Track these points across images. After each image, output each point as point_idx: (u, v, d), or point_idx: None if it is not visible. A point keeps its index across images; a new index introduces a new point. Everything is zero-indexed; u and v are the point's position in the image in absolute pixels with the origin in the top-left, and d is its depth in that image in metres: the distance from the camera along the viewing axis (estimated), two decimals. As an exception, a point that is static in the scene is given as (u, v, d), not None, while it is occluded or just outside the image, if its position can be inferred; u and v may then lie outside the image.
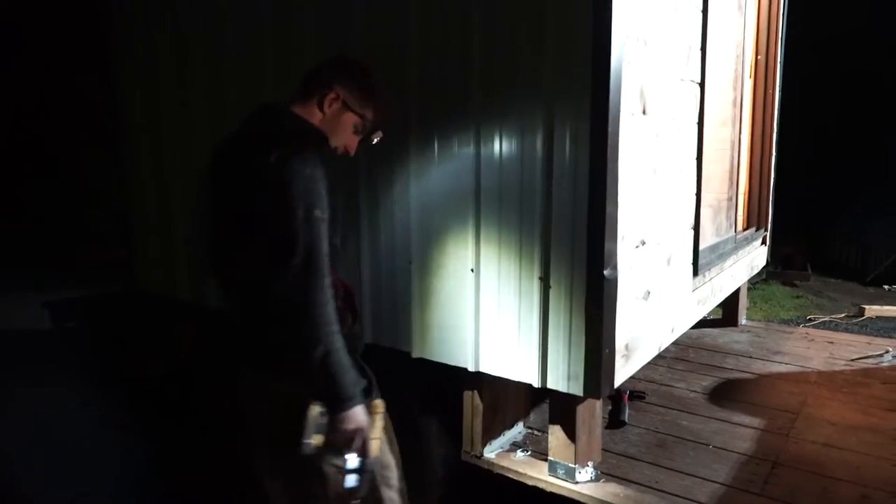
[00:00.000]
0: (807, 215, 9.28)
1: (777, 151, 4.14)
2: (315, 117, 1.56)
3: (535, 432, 2.61)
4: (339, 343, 1.37)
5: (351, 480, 1.39)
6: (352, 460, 1.40)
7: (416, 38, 2.23)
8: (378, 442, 1.48)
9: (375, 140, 1.67)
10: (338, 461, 1.44)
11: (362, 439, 1.41)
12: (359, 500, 1.44)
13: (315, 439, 1.37)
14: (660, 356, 3.41)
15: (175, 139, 3.19)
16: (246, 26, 2.76)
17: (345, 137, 1.60)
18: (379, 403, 1.51)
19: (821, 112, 10.12)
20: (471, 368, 2.24)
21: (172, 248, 3.30)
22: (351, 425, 1.39)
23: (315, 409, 1.37)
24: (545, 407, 2.62)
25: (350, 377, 1.39)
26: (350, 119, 1.58)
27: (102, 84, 4.11)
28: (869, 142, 9.78)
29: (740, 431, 2.62)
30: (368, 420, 1.43)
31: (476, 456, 2.40)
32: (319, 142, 1.54)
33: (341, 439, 1.39)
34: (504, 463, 2.38)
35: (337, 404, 1.38)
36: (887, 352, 3.53)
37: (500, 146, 2.09)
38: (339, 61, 1.62)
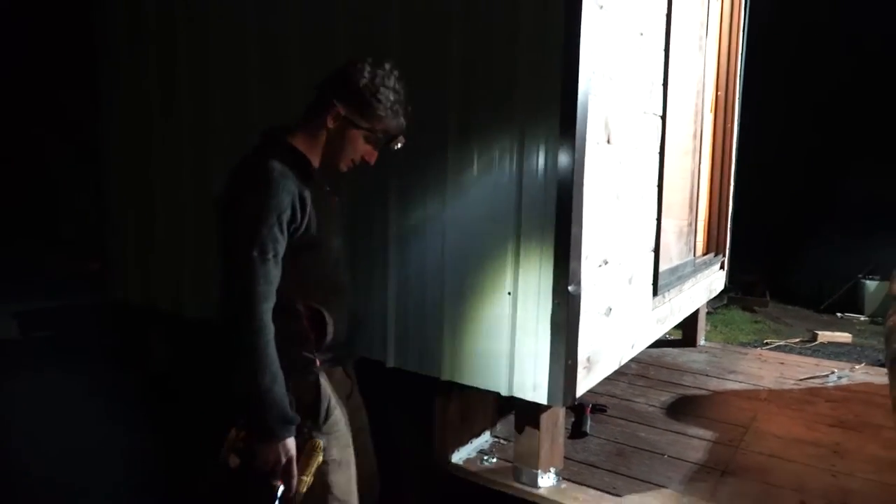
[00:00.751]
0: (768, 246, 9.71)
1: (736, 182, 4.39)
2: (320, 138, 1.56)
3: (501, 441, 2.74)
4: (268, 378, 1.40)
5: None
6: (277, 489, 1.43)
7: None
8: (307, 480, 1.48)
9: (397, 146, 1.62)
10: (264, 486, 1.45)
11: (286, 474, 1.44)
12: None
13: (231, 460, 1.44)
14: (621, 373, 3.59)
15: (158, 153, 3.28)
16: (232, 50, 2.89)
17: (359, 151, 1.58)
18: (317, 444, 1.51)
19: (783, 151, 10.62)
20: (445, 377, 2.37)
21: (150, 260, 3.37)
22: (270, 458, 1.42)
23: (233, 432, 1.45)
24: (511, 418, 2.75)
25: (276, 413, 1.41)
26: (357, 134, 1.55)
27: (83, 95, 4.14)
28: (824, 180, 10.29)
29: (694, 443, 2.78)
30: (293, 458, 1.45)
31: (446, 462, 2.51)
32: (299, 164, 1.53)
33: (262, 467, 1.43)
34: (472, 468, 2.50)
35: (257, 435, 1.43)
36: (833, 373, 3.76)
37: (476, 171, 2.25)
38: (339, 73, 1.55)
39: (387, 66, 1.56)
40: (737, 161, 4.39)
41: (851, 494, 2.36)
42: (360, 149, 1.58)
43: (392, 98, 1.55)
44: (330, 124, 1.54)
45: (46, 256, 7.59)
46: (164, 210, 3.29)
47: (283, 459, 1.44)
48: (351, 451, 1.68)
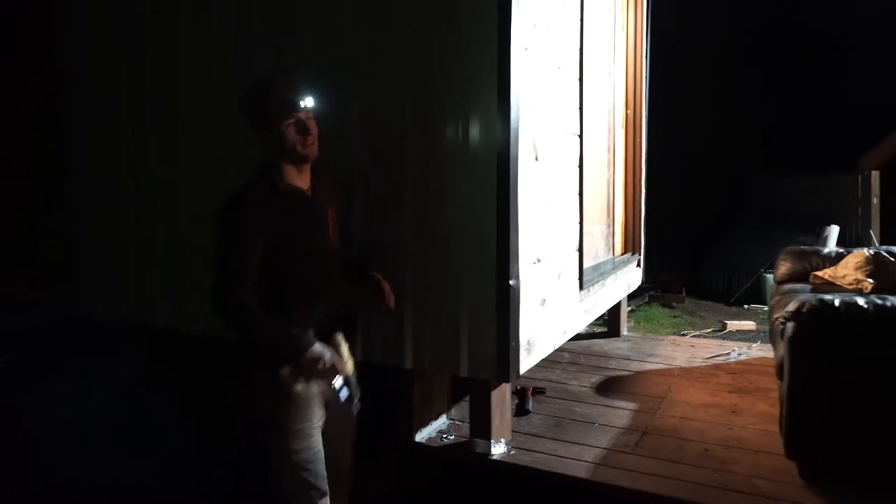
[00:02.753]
0: (684, 248, 10.63)
1: (647, 189, 4.98)
2: (279, 146, 1.92)
3: (457, 422, 3.13)
4: (262, 325, 1.83)
5: (343, 394, 1.89)
6: (336, 382, 1.87)
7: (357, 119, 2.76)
8: (349, 363, 1.93)
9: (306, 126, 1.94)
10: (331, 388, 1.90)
11: (329, 365, 1.84)
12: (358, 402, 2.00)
13: (300, 387, 1.88)
14: (556, 361, 4.06)
15: (125, 169, 3.50)
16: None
17: (293, 139, 1.92)
18: (336, 338, 1.93)
19: (694, 161, 11.69)
20: (408, 366, 2.74)
21: (124, 275, 3.56)
22: (308, 364, 1.83)
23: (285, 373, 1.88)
24: (464, 403, 3.16)
25: (285, 339, 1.83)
26: (287, 128, 1.90)
27: (50, 107, 4.15)
28: (733, 184, 11.37)
29: (619, 412, 3.26)
30: (328, 351, 1.86)
31: (411, 441, 2.88)
32: (265, 183, 1.93)
33: (313, 376, 1.87)
34: (433, 445, 2.88)
35: (290, 360, 1.85)
36: (734, 351, 4.36)
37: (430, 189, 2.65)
38: (247, 94, 1.94)
39: (261, 83, 1.95)
40: (647, 170, 5.00)
41: (743, 441, 2.88)
42: (292, 137, 1.93)
43: (271, 97, 1.92)
44: (271, 135, 1.92)
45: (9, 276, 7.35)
46: (137, 231, 3.50)
47: (317, 358, 1.83)
48: (317, 424, 2.01)
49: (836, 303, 2.31)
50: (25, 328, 4.07)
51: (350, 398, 1.92)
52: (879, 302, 2.28)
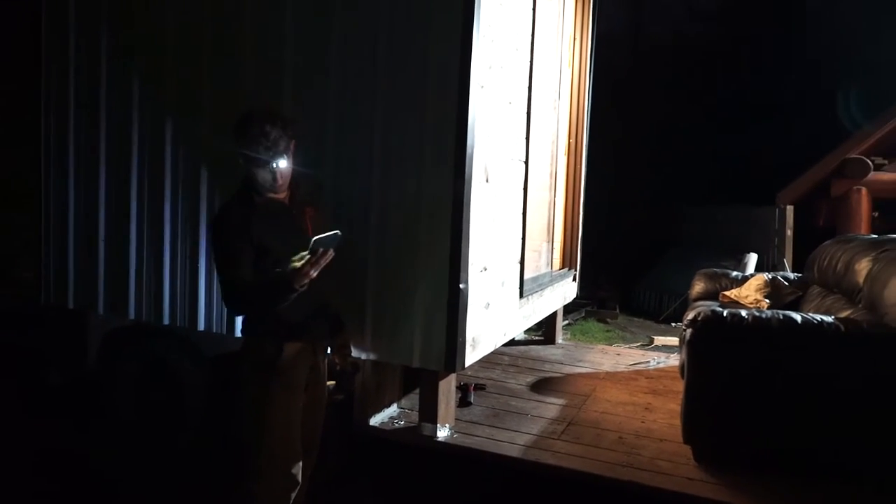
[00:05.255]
0: (619, 268, 11.36)
1: (585, 211, 5.51)
2: (252, 180, 2.26)
3: (407, 410, 3.50)
4: (268, 293, 2.18)
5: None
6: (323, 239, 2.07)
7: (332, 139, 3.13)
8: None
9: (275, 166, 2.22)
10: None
11: (314, 265, 2.09)
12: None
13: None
14: (496, 363, 4.49)
15: (106, 168, 3.74)
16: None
17: (263, 173, 2.21)
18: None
19: (631, 192, 12.55)
20: (365, 357, 3.11)
21: (94, 268, 3.80)
22: (305, 273, 2.09)
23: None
24: (412, 395, 3.54)
25: (282, 285, 2.13)
26: (258, 171, 2.21)
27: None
28: (663, 216, 12.26)
29: (550, 407, 3.71)
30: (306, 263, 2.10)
31: (366, 425, 3.23)
32: (243, 199, 2.28)
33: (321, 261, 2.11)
34: (386, 429, 3.24)
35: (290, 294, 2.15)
36: (654, 360, 4.90)
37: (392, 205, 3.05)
38: (232, 128, 2.23)
39: (242, 122, 2.22)
40: (585, 194, 5.53)
41: (652, 431, 3.37)
42: (263, 178, 2.25)
43: (248, 137, 2.19)
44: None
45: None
46: (106, 221, 3.75)
47: (310, 268, 2.09)
48: (296, 399, 2.36)
49: (724, 313, 2.82)
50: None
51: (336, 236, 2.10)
52: (757, 314, 2.80)
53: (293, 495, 2.38)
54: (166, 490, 3.25)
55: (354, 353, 3.12)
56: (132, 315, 3.68)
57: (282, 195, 2.36)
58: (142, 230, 3.64)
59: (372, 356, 3.12)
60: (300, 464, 2.38)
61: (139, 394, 3.70)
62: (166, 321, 3.58)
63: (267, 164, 2.22)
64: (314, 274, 2.12)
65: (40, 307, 4.03)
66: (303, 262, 2.10)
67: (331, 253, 2.12)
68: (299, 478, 2.38)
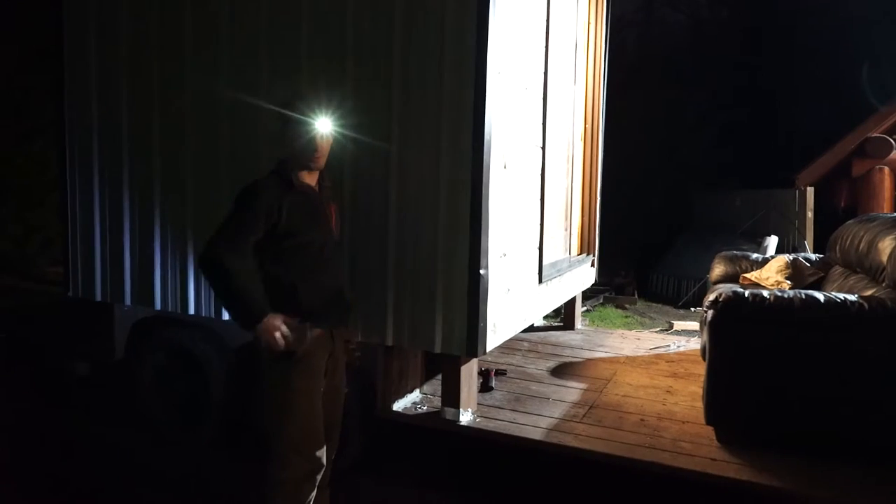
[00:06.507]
0: (638, 254, 11.31)
1: (602, 196, 5.50)
2: (295, 153, 2.36)
3: (429, 395, 3.54)
4: (226, 287, 2.22)
5: None
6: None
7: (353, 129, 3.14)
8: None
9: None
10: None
11: (284, 342, 2.23)
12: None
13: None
14: (516, 349, 4.52)
15: (129, 165, 3.81)
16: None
17: (307, 142, 2.33)
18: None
19: (646, 174, 12.46)
20: (388, 343, 3.15)
21: (120, 263, 3.87)
22: (259, 333, 2.22)
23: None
24: (434, 380, 3.58)
25: (237, 308, 2.24)
26: (303, 143, 2.33)
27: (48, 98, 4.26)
28: (680, 203, 12.18)
29: (570, 391, 3.73)
30: (283, 328, 2.25)
31: (389, 410, 3.28)
32: (281, 176, 2.33)
33: (266, 344, 2.26)
34: (409, 413, 3.28)
35: (241, 325, 2.26)
36: (674, 343, 4.89)
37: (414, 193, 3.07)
38: (277, 104, 2.38)
39: (288, 99, 2.36)
40: (602, 180, 5.51)
41: (674, 414, 3.38)
42: (306, 151, 2.35)
43: (303, 100, 2.36)
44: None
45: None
46: (130, 214, 3.81)
47: (274, 336, 2.19)
48: (317, 385, 2.41)
49: (746, 294, 2.81)
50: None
51: None
52: (779, 294, 2.79)
53: (318, 478, 2.43)
54: (193, 477, 3.33)
55: (377, 339, 3.16)
56: (158, 306, 3.75)
57: (314, 176, 2.41)
58: (165, 223, 3.70)
59: (393, 342, 3.16)
60: (324, 448, 2.42)
61: (165, 383, 3.78)
62: (191, 312, 3.64)
63: (313, 132, 2.30)
64: (273, 343, 2.21)
65: (68, 300, 4.11)
66: (282, 334, 2.21)
67: (297, 341, 2.25)
68: (324, 461, 2.43)
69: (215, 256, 2.19)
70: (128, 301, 3.85)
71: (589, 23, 5.17)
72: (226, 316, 3.52)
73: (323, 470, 2.44)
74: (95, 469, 3.41)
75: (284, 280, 2.34)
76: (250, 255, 2.27)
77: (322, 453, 2.42)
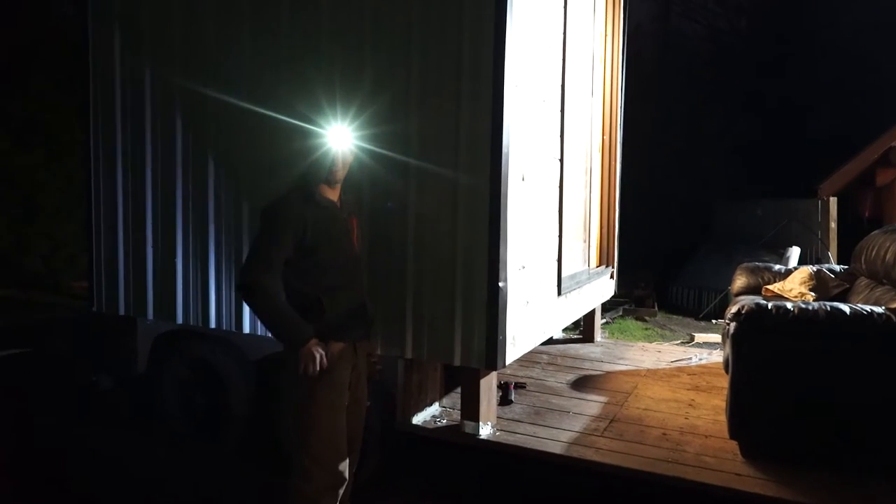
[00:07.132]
0: (658, 266, 11.22)
1: (621, 208, 5.47)
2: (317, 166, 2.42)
3: (448, 409, 3.53)
4: (271, 310, 2.32)
5: None
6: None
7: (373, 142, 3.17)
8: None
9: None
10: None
11: (319, 366, 2.31)
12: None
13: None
14: (536, 361, 4.49)
15: (153, 185, 3.87)
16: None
17: (325, 157, 2.39)
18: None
19: (664, 185, 12.41)
20: (408, 356, 3.15)
21: (142, 278, 3.92)
22: (302, 357, 2.30)
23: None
24: (453, 394, 3.57)
25: (284, 331, 2.33)
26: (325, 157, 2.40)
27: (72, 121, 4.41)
28: (700, 215, 12.09)
29: (591, 404, 3.69)
30: (322, 353, 2.33)
31: (408, 423, 3.27)
32: (304, 193, 2.36)
33: (304, 368, 2.33)
34: (429, 427, 3.27)
35: (285, 346, 2.36)
36: (695, 356, 4.83)
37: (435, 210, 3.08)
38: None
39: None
40: (621, 191, 5.49)
41: (696, 428, 3.33)
42: (329, 164, 2.40)
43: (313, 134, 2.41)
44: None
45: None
46: (152, 230, 3.87)
47: (314, 360, 2.27)
48: (341, 398, 2.42)
49: (769, 306, 2.78)
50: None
51: None
52: (803, 306, 2.75)
53: (340, 492, 2.43)
54: (215, 489, 3.34)
55: (396, 352, 3.17)
56: (180, 320, 3.79)
57: (336, 191, 2.44)
58: (187, 238, 3.75)
59: (412, 355, 3.16)
60: (346, 461, 2.42)
61: (186, 396, 3.81)
62: (212, 325, 3.68)
63: (333, 147, 2.35)
64: (313, 366, 2.27)
65: (91, 314, 4.18)
66: (319, 356, 2.28)
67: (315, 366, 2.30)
68: (346, 475, 2.43)
69: (254, 281, 2.24)
70: (150, 315, 3.90)
71: (605, 34, 5.18)
72: (246, 329, 3.56)
73: (345, 484, 2.44)
74: (117, 485, 3.44)
75: (310, 295, 2.36)
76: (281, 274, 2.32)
77: (345, 466, 2.42)
